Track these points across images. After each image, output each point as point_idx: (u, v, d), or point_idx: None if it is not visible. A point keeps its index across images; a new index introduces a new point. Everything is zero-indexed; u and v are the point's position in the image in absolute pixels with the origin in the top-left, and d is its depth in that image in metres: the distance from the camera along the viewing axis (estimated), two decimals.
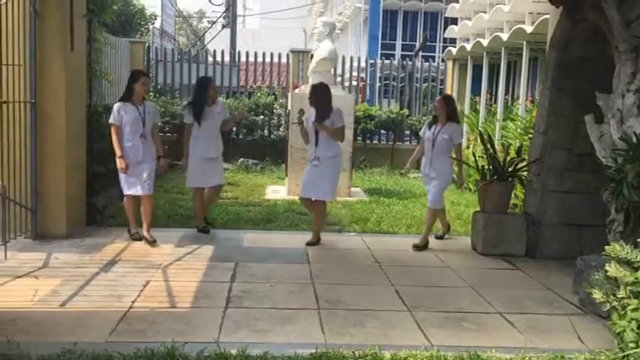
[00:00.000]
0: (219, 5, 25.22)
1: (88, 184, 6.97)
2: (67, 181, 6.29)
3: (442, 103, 6.62)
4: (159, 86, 14.22)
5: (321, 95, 6.43)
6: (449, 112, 6.56)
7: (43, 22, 6.02)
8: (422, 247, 6.47)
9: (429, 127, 6.64)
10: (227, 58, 14.81)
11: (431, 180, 6.59)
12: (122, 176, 6.18)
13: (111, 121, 6.14)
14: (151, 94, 13.37)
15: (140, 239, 6.23)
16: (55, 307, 4.35)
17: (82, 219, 6.80)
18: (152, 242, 6.16)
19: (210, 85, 6.82)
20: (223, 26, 24.93)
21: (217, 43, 21.41)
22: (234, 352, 3.59)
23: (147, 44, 14.87)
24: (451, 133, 6.50)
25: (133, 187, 6.20)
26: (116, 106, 6.18)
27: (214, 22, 27.80)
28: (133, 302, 4.49)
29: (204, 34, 29.87)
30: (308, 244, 6.36)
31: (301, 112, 6.57)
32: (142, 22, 17.61)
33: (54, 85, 6.11)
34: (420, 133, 6.96)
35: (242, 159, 12.57)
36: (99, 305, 4.42)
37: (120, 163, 6.10)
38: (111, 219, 7.27)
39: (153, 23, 19.65)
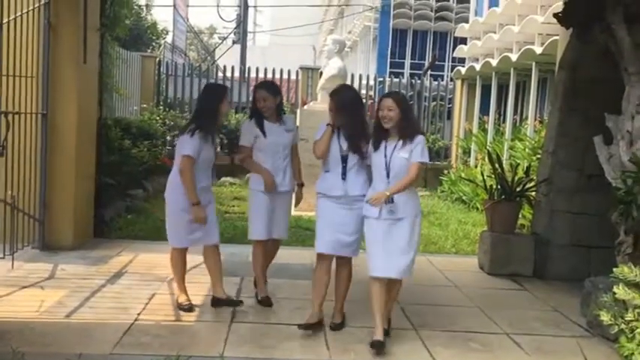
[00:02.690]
0: (229, 21, 25.50)
1: (96, 195, 7.00)
2: (75, 193, 6.32)
3: (392, 104, 4.10)
4: (169, 100, 14.34)
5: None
6: (405, 117, 4.14)
7: (57, 34, 6.10)
8: (384, 343, 4.09)
9: (376, 145, 4.17)
10: (237, 74, 14.93)
11: (389, 225, 4.10)
12: (179, 224, 4.54)
13: (188, 152, 4.40)
14: (161, 107, 13.51)
15: (191, 309, 4.63)
16: (60, 318, 4.35)
17: (89, 231, 6.83)
18: (239, 302, 4.70)
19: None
20: (234, 42, 25.17)
21: (227, 58, 21.60)
22: None
23: (158, 59, 15.03)
24: (419, 150, 4.10)
25: (192, 235, 4.56)
26: (195, 136, 4.43)
27: (225, 38, 28.08)
28: (138, 315, 4.48)
29: (214, 49, 30.13)
30: (334, 328, 4.43)
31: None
32: (154, 37, 17.82)
33: (65, 97, 6.17)
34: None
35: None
36: (104, 317, 4.41)
37: (198, 213, 4.43)
38: (118, 231, 7.30)
39: (164, 38, 19.86)
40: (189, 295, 4.72)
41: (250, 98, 14.57)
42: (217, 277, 4.68)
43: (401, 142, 4.10)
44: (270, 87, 4.94)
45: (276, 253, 5.17)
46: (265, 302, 4.88)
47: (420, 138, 4.15)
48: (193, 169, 4.42)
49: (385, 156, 4.12)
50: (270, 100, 4.80)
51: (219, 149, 4.59)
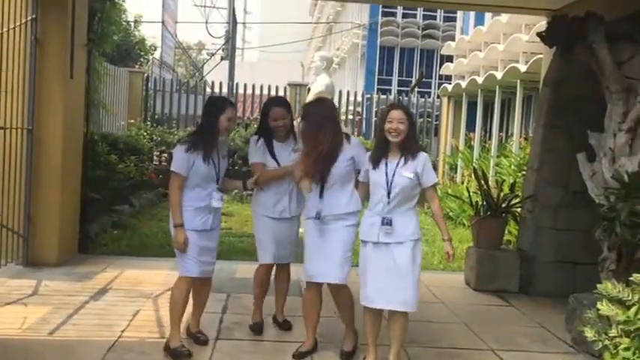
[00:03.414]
0: (218, 38, 25.58)
1: (82, 211, 6.95)
2: (60, 209, 6.27)
3: (402, 116, 3.83)
4: (156, 116, 14.35)
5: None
6: (411, 132, 3.90)
7: (44, 50, 6.09)
8: None
9: (376, 163, 3.91)
10: (225, 90, 14.97)
11: (384, 250, 3.83)
12: (184, 253, 4.07)
13: (175, 168, 4.02)
14: (148, 123, 13.49)
15: (190, 355, 4.03)
16: (43, 336, 4.29)
17: (73, 246, 6.77)
18: (205, 341, 4.29)
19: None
20: (222, 58, 25.23)
21: (216, 74, 21.63)
22: None
23: (146, 74, 15.05)
24: (420, 169, 3.84)
25: (199, 267, 4.09)
26: (186, 153, 4.01)
27: (213, 54, 28.12)
28: (122, 332, 4.44)
29: (203, 65, 30.21)
30: (344, 357, 4.20)
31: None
32: (142, 53, 17.86)
33: (52, 113, 6.15)
34: (360, 177, 4.08)
35: (244, 191, 12.56)
36: (88, 334, 4.37)
37: (177, 236, 4.01)
38: (103, 247, 7.25)
39: (152, 54, 19.92)
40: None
41: (239, 113, 14.59)
42: (197, 312, 4.33)
43: (403, 159, 3.81)
44: (285, 104, 4.52)
45: (289, 278, 4.72)
46: (256, 329, 4.57)
47: (424, 156, 3.87)
48: (181, 186, 4.02)
49: (386, 174, 3.82)
50: (287, 118, 4.37)
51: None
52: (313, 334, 4.21)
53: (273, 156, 4.37)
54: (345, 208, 4.03)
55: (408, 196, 3.83)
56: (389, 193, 3.79)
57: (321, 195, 4.02)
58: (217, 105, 4.16)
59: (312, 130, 3.99)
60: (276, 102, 4.52)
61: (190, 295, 4.21)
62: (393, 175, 3.79)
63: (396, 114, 3.82)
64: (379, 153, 3.89)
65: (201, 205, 4.06)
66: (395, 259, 3.77)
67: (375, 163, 3.88)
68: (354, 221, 4.06)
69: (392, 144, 3.83)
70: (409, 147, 3.83)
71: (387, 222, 3.77)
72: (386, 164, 3.84)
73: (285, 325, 4.67)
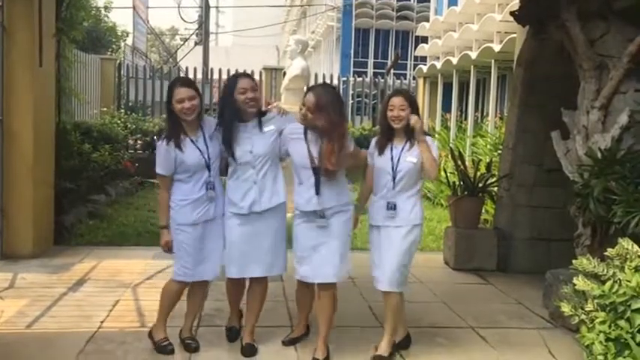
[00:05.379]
0: (191, 22, 25.25)
1: (56, 202, 6.84)
2: (34, 200, 6.17)
3: (403, 102, 3.83)
4: (130, 103, 14.15)
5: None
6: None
7: (11, 38, 5.95)
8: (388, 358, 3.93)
9: (381, 148, 3.93)
10: (199, 75, 14.79)
11: (388, 234, 3.87)
12: (177, 252, 3.89)
13: (157, 169, 3.84)
14: (122, 110, 13.29)
15: (173, 351, 3.90)
16: (21, 329, 4.24)
17: (49, 238, 6.68)
18: (194, 348, 3.95)
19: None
20: (196, 43, 24.91)
21: (190, 60, 21.37)
22: None
23: (118, 61, 14.80)
24: (434, 149, 3.87)
25: (196, 268, 3.89)
26: (166, 149, 3.79)
27: (187, 40, 27.76)
28: (101, 322, 4.40)
29: (176, 51, 29.79)
30: None
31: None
32: (114, 40, 17.55)
33: (21, 102, 6.02)
34: (367, 160, 4.07)
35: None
36: (67, 326, 4.32)
37: (163, 237, 3.90)
38: (79, 237, 7.16)
39: (124, 40, 19.59)
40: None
41: (213, 99, 14.45)
42: (191, 317, 4.08)
43: (408, 144, 3.85)
44: (252, 77, 4.01)
45: (263, 295, 4.07)
46: (230, 336, 4.18)
47: (429, 139, 3.89)
48: (167, 186, 3.83)
49: (391, 159, 3.85)
50: (256, 91, 3.85)
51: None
52: (305, 320, 4.24)
53: (231, 144, 3.81)
54: (339, 200, 3.87)
55: (414, 181, 3.88)
56: (394, 178, 3.84)
57: (317, 191, 3.78)
58: (168, 92, 3.85)
59: (337, 116, 3.75)
60: (239, 74, 4.00)
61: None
62: (398, 160, 3.84)
63: (396, 101, 3.85)
64: (385, 140, 3.93)
65: (194, 197, 3.81)
66: (392, 241, 3.84)
67: (381, 149, 3.91)
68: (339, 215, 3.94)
69: (396, 130, 3.87)
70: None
71: (391, 206, 3.84)
72: (391, 149, 3.88)
73: (246, 350, 3.92)
